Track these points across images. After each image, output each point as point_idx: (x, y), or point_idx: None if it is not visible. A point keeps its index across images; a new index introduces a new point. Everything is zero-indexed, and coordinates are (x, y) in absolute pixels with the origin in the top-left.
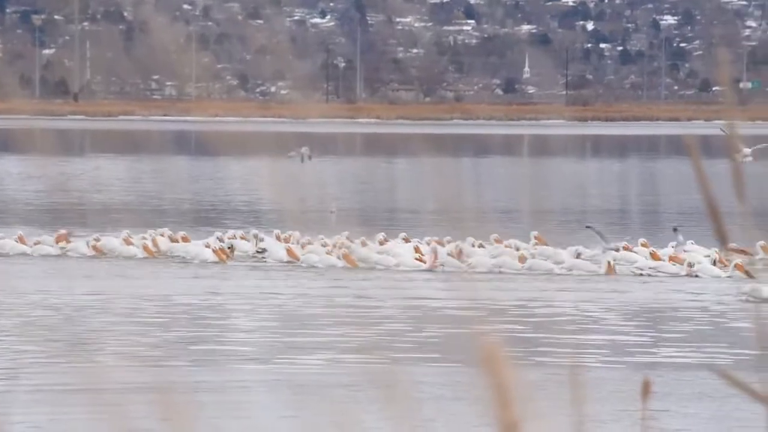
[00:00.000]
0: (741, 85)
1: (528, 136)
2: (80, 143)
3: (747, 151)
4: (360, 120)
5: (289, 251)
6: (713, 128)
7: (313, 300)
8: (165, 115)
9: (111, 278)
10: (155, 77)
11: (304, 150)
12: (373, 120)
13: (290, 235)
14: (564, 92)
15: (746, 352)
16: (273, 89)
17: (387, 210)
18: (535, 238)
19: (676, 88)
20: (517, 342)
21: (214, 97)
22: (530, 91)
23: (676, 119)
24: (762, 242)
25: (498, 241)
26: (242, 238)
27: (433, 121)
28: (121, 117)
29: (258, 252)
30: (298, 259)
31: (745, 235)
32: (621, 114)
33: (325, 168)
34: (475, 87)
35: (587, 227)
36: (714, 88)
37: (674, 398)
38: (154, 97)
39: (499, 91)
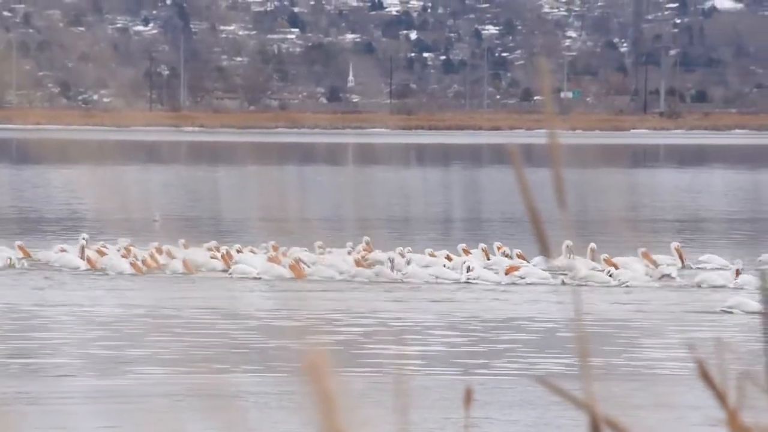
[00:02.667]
0: (562, 94)
1: (353, 145)
2: None
3: None
4: (184, 128)
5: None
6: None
7: (143, 311)
8: None
9: None
10: None
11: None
12: (197, 128)
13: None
14: (388, 101)
15: (569, 361)
16: (95, 97)
17: (212, 218)
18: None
19: (498, 97)
20: (343, 351)
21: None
22: (355, 100)
23: (499, 128)
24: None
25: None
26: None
27: (258, 130)
28: None
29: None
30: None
31: (565, 242)
32: (444, 123)
33: (149, 176)
34: (300, 95)
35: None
36: (535, 98)
37: (496, 406)
38: None
39: (323, 100)
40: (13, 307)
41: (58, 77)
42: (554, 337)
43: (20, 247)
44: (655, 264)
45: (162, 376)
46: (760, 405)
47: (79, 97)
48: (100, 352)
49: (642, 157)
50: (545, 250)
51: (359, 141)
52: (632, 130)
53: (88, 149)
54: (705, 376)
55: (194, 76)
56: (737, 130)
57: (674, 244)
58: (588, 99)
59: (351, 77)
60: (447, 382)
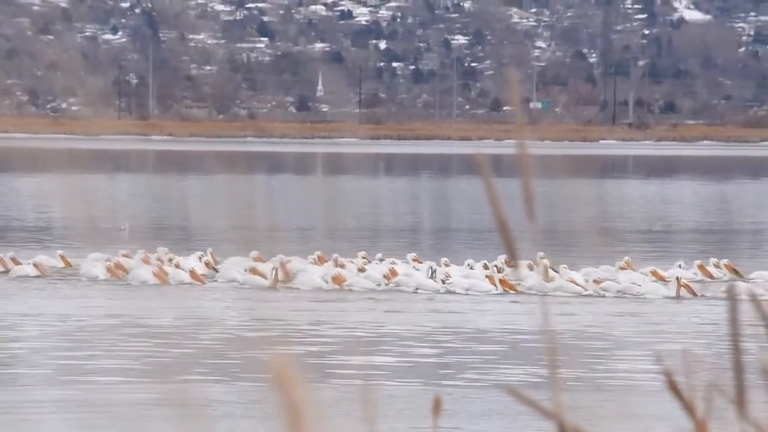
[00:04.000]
0: (531, 105)
1: (321, 154)
2: None
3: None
4: (153, 137)
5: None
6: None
7: (110, 318)
8: None
9: None
10: None
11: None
12: (165, 137)
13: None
14: (357, 110)
15: (539, 371)
16: (64, 105)
17: (180, 227)
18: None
19: (467, 107)
20: (311, 361)
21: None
22: (324, 109)
23: (468, 138)
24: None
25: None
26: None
27: (227, 139)
28: None
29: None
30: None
31: (532, 252)
32: (413, 132)
33: (117, 185)
34: (269, 104)
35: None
36: (505, 108)
37: (464, 415)
38: None
39: (292, 109)
40: None
41: (26, 85)
42: (527, 347)
43: (62, 257)
44: (711, 276)
45: (130, 386)
46: (728, 416)
47: (48, 106)
48: (68, 362)
49: (610, 167)
50: (513, 260)
51: (328, 150)
52: (601, 141)
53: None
54: (673, 388)
55: (163, 84)
56: (705, 141)
57: (723, 261)
58: (557, 109)
59: (320, 86)
60: (415, 391)
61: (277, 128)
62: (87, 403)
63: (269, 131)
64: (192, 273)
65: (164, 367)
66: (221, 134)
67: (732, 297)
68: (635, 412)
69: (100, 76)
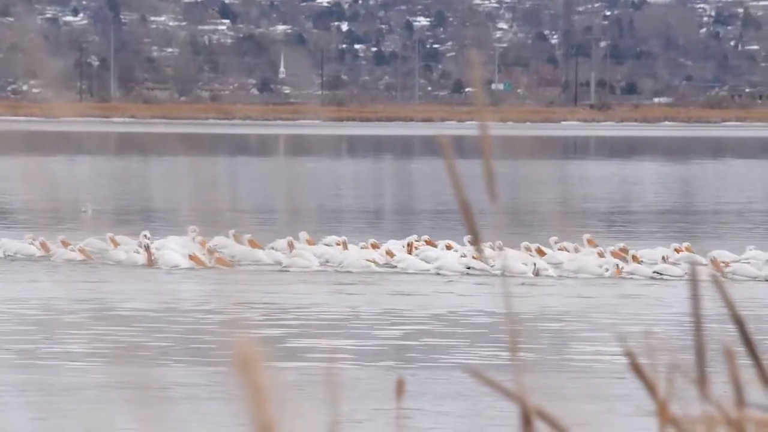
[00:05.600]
0: (493, 86)
1: (284, 136)
2: None
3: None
4: (114, 119)
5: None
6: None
7: (72, 303)
8: None
9: None
10: None
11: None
12: (127, 119)
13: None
14: (320, 92)
15: (504, 354)
16: (25, 88)
17: (143, 209)
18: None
19: (429, 89)
20: (274, 344)
21: None
22: (286, 91)
23: (430, 120)
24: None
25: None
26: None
27: (189, 121)
28: None
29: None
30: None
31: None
32: (376, 114)
33: (79, 167)
34: (231, 86)
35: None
36: (466, 90)
37: (428, 397)
38: None
39: (255, 91)
40: None
41: None
42: (494, 329)
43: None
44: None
45: (91, 368)
46: (689, 396)
47: (8, 88)
48: (27, 346)
49: (572, 148)
50: (476, 241)
51: (291, 132)
52: (563, 122)
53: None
54: (635, 368)
55: (124, 67)
56: (666, 122)
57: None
58: (519, 91)
59: (282, 69)
60: (379, 373)
61: (240, 110)
62: (48, 387)
63: (231, 113)
64: (193, 257)
65: (126, 351)
66: (183, 116)
67: (693, 278)
68: (599, 393)
69: (60, 59)
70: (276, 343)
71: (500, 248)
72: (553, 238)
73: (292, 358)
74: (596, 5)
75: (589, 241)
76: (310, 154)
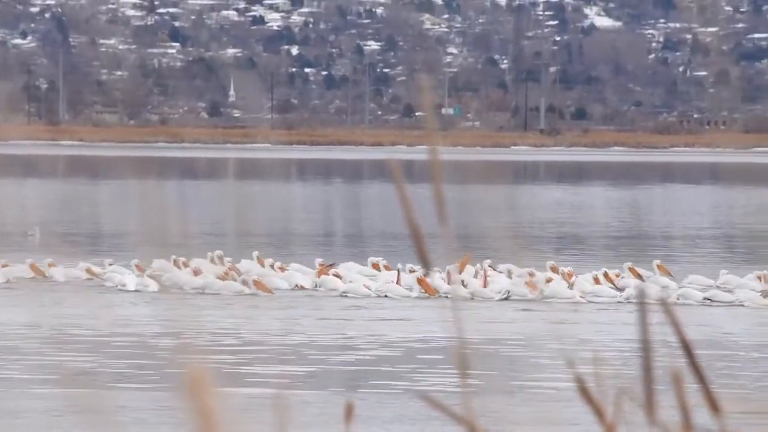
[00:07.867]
0: (443, 110)
1: (234, 160)
2: None
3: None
4: (63, 142)
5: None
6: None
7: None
8: None
9: None
10: None
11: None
12: (76, 142)
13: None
14: (270, 116)
15: (454, 379)
16: None
17: (91, 233)
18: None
19: (379, 113)
20: (224, 369)
21: None
22: (236, 115)
23: (380, 144)
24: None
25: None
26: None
27: (138, 144)
28: None
29: None
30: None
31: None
32: (326, 138)
33: (26, 191)
34: (181, 110)
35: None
36: (417, 114)
37: (377, 421)
38: None
39: (204, 114)
40: None
41: None
42: (445, 354)
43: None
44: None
45: (40, 392)
46: (636, 420)
47: None
48: None
49: (522, 173)
50: (425, 265)
51: (240, 156)
52: (513, 147)
53: None
54: (583, 393)
55: (73, 89)
56: (615, 147)
57: (656, 262)
58: (469, 115)
59: (232, 92)
60: (329, 397)
61: (189, 133)
62: None
63: (181, 136)
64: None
65: (75, 374)
66: (132, 140)
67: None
68: (547, 418)
69: (9, 82)
70: (225, 368)
71: (485, 270)
72: (486, 261)
73: (241, 383)
74: (546, 30)
75: (552, 268)
76: (260, 177)
